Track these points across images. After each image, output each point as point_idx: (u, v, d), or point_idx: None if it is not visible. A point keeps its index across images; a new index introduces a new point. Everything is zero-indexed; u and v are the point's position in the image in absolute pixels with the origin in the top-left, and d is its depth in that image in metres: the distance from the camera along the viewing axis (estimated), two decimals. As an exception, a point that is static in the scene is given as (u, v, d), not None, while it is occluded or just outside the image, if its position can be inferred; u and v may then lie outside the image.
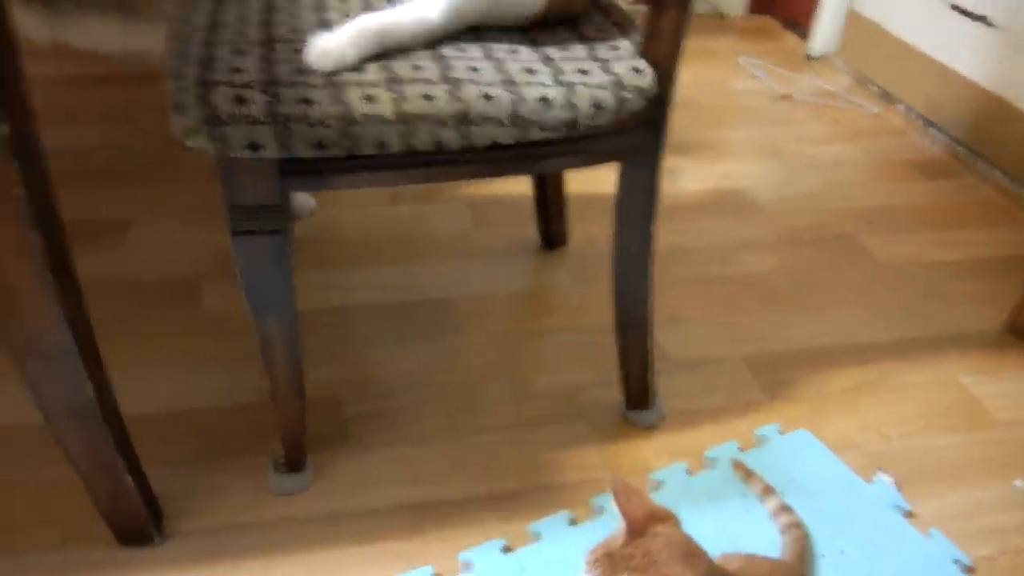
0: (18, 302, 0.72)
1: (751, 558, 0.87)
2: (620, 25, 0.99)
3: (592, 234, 1.55)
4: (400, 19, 0.87)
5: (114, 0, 1.48)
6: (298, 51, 0.83)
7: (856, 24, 2.35)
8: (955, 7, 1.95)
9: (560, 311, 1.39)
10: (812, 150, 1.96)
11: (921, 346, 1.34)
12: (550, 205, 1.47)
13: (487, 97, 0.79)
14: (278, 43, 0.85)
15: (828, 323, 1.38)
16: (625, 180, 0.98)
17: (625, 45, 0.93)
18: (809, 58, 2.44)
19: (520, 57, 0.88)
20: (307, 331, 1.03)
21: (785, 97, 2.21)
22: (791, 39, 2.56)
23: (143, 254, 1.41)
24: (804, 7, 2.52)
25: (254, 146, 0.74)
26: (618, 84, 0.85)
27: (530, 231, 1.53)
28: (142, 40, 1.37)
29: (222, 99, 0.74)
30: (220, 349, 1.22)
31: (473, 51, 0.88)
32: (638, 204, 0.99)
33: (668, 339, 1.30)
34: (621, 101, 0.84)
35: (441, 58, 0.85)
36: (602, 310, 1.15)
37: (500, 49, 0.89)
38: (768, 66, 2.36)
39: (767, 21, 2.69)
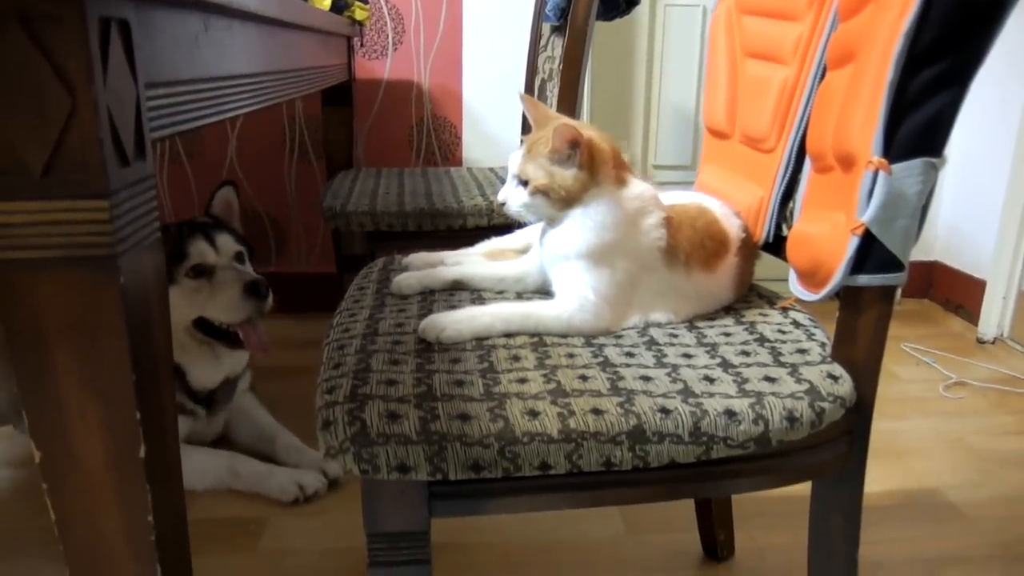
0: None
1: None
2: (800, 324, 0.90)
3: (762, 544, 1.36)
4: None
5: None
6: (455, 361, 0.77)
7: (1030, 305, 2.20)
8: None
9: (734, 643, 1.17)
10: (1004, 444, 1.74)
11: None
12: (714, 509, 1.31)
13: (664, 411, 0.70)
14: (436, 352, 0.80)
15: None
16: (821, 500, 0.84)
17: (813, 347, 0.83)
18: (980, 342, 2.27)
19: (695, 362, 0.79)
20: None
21: (960, 384, 2.02)
22: (956, 322, 2.41)
23: (275, 558, 1.32)
24: (967, 289, 2.40)
25: (404, 468, 0.66)
26: (814, 393, 0.74)
27: (690, 538, 1.36)
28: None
29: (374, 415, 0.67)
30: None
31: (642, 355, 0.80)
32: (838, 528, 0.84)
33: None
34: (819, 412, 0.73)
35: (608, 365, 0.78)
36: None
37: (672, 353, 0.81)
38: (936, 352, 2.19)
39: (926, 305, 2.57)
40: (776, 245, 0.97)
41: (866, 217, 0.73)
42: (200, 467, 1.48)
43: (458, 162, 2.45)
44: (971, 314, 2.38)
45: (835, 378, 0.76)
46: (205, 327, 1.51)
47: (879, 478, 1.58)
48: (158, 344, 0.62)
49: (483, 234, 1.18)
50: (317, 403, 0.72)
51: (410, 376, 0.74)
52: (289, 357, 2.10)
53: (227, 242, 1.55)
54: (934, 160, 0.72)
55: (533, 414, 0.68)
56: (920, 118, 0.71)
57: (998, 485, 1.57)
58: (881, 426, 1.79)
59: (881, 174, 0.71)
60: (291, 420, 1.66)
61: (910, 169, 0.71)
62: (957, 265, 2.51)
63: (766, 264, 1.02)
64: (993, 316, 2.27)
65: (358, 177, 1.97)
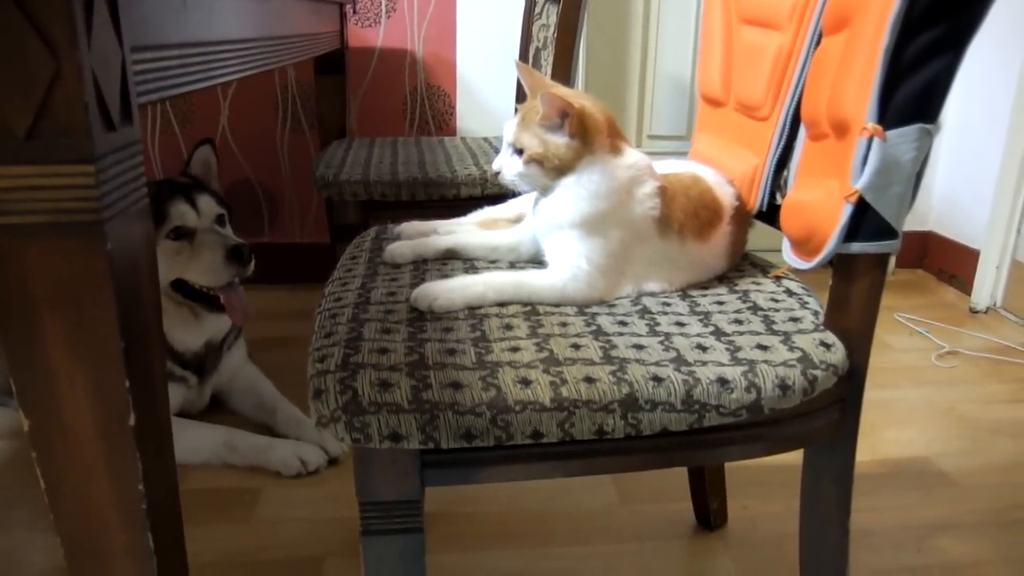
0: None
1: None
2: (794, 292, 0.90)
3: (754, 513, 1.37)
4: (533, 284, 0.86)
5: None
6: (448, 330, 0.77)
7: (1023, 274, 2.20)
8: None
9: (726, 609, 1.19)
10: (995, 412, 1.75)
11: None
12: (707, 478, 1.31)
13: (656, 379, 0.70)
14: (428, 321, 0.80)
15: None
16: (813, 467, 0.84)
17: (806, 315, 0.83)
18: (973, 311, 2.28)
19: (688, 331, 0.79)
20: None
21: (952, 353, 2.03)
22: (949, 292, 2.42)
23: (269, 528, 1.32)
24: (960, 259, 2.40)
25: (396, 436, 0.66)
26: (806, 361, 0.74)
27: (684, 507, 1.37)
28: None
29: (365, 384, 0.67)
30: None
31: (635, 324, 0.80)
32: (830, 495, 0.84)
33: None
34: (811, 380, 0.73)
35: (601, 333, 0.77)
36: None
37: (665, 322, 0.81)
38: (929, 321, 2.20)
39: (920, 275, 2.57)
40: (770, 214, 0.97)
41: (860, 184, 0.72)
42: (194, 443, 1.48)
43: (452, 131, 2.43)
44: (964, 284, 2.38)
45: (828, 346, 0.76)
46: (184, 289, 1.50)
47: (871, 446, 1.60)
48: (147, 311, 0.62)
49: (477, 204, 1.17)
50: (309, 372, 0.71)
51: (402, 345, 0.74)
52: (283, 327, 2.10)
53: (208, 204, 1.53)
54: (929, 126, 0.71)
55: (525, 383, 0.68)
56: (916, 84, 0.70)
57: (989, 453, 1.58)
58: (873, 395, 1.80)
59: (875, 140, 0.71)
60: (285, 390, 1.66)
61: (905, 135, 0.71)
62: (951, 235, 2.51)
63: (760, 234, 1.01)
64: (986, 286, 2.27)
65: (351, 146, 1.96)
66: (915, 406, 1.77)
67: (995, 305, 2.28)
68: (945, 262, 2.51)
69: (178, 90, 0.72)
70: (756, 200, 0.97)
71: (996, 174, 2.26)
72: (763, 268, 0.99)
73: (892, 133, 0.71)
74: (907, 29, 0.69)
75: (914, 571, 1.24)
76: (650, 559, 1.26)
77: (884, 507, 1.40)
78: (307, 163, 2.40)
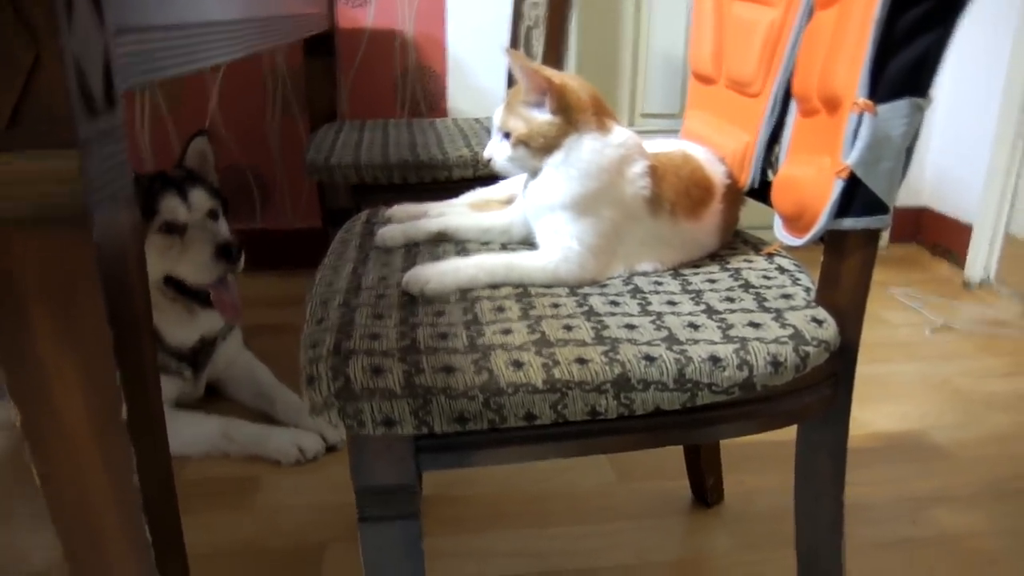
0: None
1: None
2: (785, 269, 0.90)
3: (751, 488, 1.37)
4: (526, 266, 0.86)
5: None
6: (440, 313, 0.77)
7: (1016, 248, 2.20)
8: None
9: (723, 585, 1.20)
10: (989, 386, 1.76)
11: None
12: (703, 455, 1.32)
13: (648, 358, 0.69)
14: (420, 305, 0.79)
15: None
16: (807, 442, 0.85)
17: (798, 292, 0.83)
18: (967, 286, 2.28)
19: (680, 310, 0.79)
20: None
21: (946, 328, 2.03)
22: (943, 267, 2.42)
23: (269, 516, 1.33)
24: (954, 234, 2.40)
25: (389, 422, 0.66)
26: (798, 337, 0.74)
27: (680, 484, 1.37)
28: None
29: (357, 370, 0.67)
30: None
31: (626, 304, 0.80)
32: (824, 469, 0.85)
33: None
34: (803, 356, 0.73)
35: (592, 314, 0.77)
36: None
37: (656, 301, 0.81)
38: (923, 296, 2.20)
39: (914, 250, 2.57)
40: (762, 191, 0.97)
41: (851, 160, 0.72)
42: (192, 435, 1.47)
43: (443, 113, 2.42)
44: (958, 258, 2.38)
45: (819, 322, 0.76)
46: (176, 284, 1.50)
47: (866, 421, 1.60)
48: (136, 300, 0.62)
49: (468, 185, 1.17)
50: (301, 359, 0.71)
51: (394, 330, 0.74)
52: (277, 314, 2.09)
53: (200, 198, 1.52)
54: (920, 100, 0.71)
55: (518, 365, 0.68)
56: (907, 58, 0.70)
57: (984, 426, 1.59)
58: (868, 370, 1.81)
59: (866, 116, 0.70)
60: (282, 378, 1.66)
61: (895, 110, 0.70)
62: (945, 210, 2.51)
63: (752, 212, 1.01)
64: (979, 260, 2.27)
65: (342, 129, 1.94)
66: (909, 380, 1.78)
67: (988, 279, 2.28)
68: (939, 237, 2.51)
69: (163, 73, 0.71)
70: (747, 177, 0.97)
71: (989, 149, 2.25)
72: (755, 245, 0.99)
73: (883, 108, 0.70)
74: (898, 2, 0.68)
75: (910, 543, 1.25)
76: (648, 536, 1.27)
77: (879, 480, 1.41)
78: (298, 147, 2.39)
